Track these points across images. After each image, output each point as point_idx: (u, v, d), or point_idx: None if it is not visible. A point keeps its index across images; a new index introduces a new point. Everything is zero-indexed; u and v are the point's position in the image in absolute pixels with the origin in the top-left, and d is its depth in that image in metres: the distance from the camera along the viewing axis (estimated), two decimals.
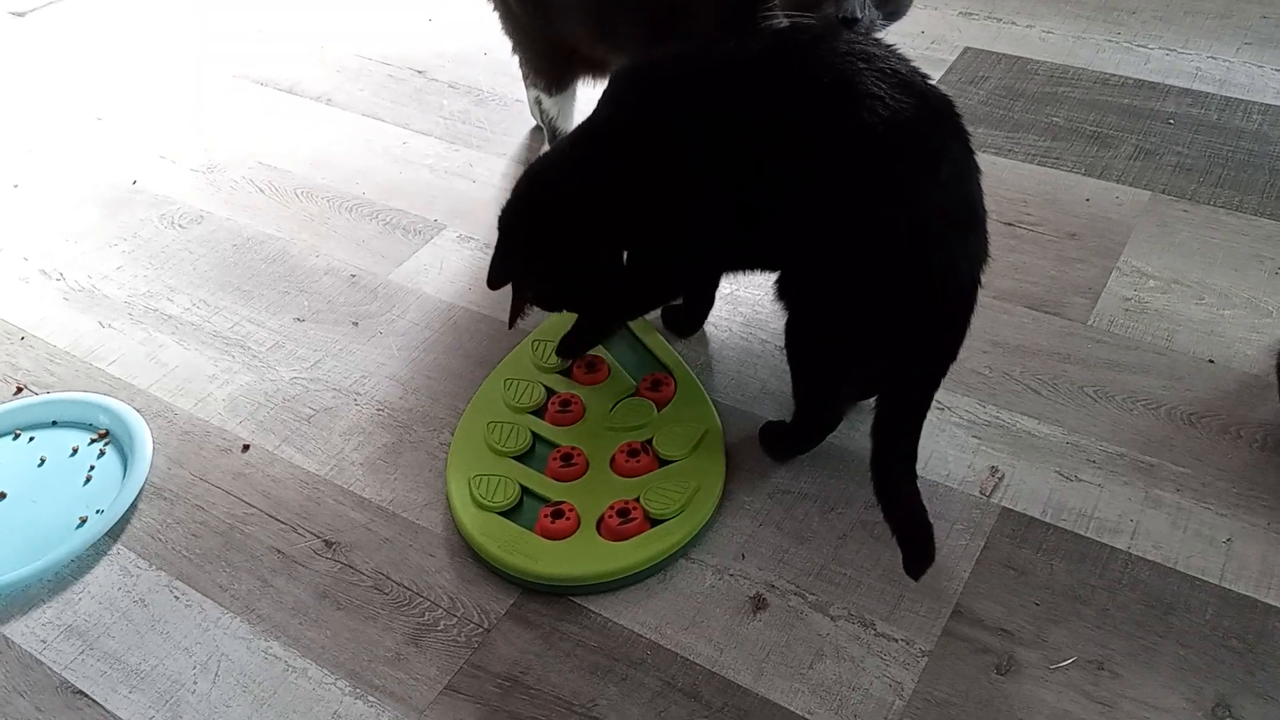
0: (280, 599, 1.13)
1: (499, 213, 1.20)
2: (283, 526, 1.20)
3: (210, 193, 1.75)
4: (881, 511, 1.06)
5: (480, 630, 1.08)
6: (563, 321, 1.30)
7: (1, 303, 1.55)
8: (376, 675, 1.05)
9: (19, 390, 1.40)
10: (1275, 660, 1.01)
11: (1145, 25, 1.97)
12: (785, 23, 1.14)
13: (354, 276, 1.55)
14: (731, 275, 1.35)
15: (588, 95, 1.41)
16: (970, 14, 2.03)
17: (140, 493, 1.24)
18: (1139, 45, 1.91)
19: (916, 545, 1.04)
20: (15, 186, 1.80)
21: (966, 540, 1.12)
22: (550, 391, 1.30)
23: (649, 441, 1.22)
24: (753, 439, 1.24)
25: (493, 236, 1.59)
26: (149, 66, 2.13)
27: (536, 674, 1.04)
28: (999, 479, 1.18)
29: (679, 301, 1.38)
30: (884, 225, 1.00)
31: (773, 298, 1.13)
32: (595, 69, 1.54)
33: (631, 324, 1.36)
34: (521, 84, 1.77)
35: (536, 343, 1.36)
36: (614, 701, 1.01)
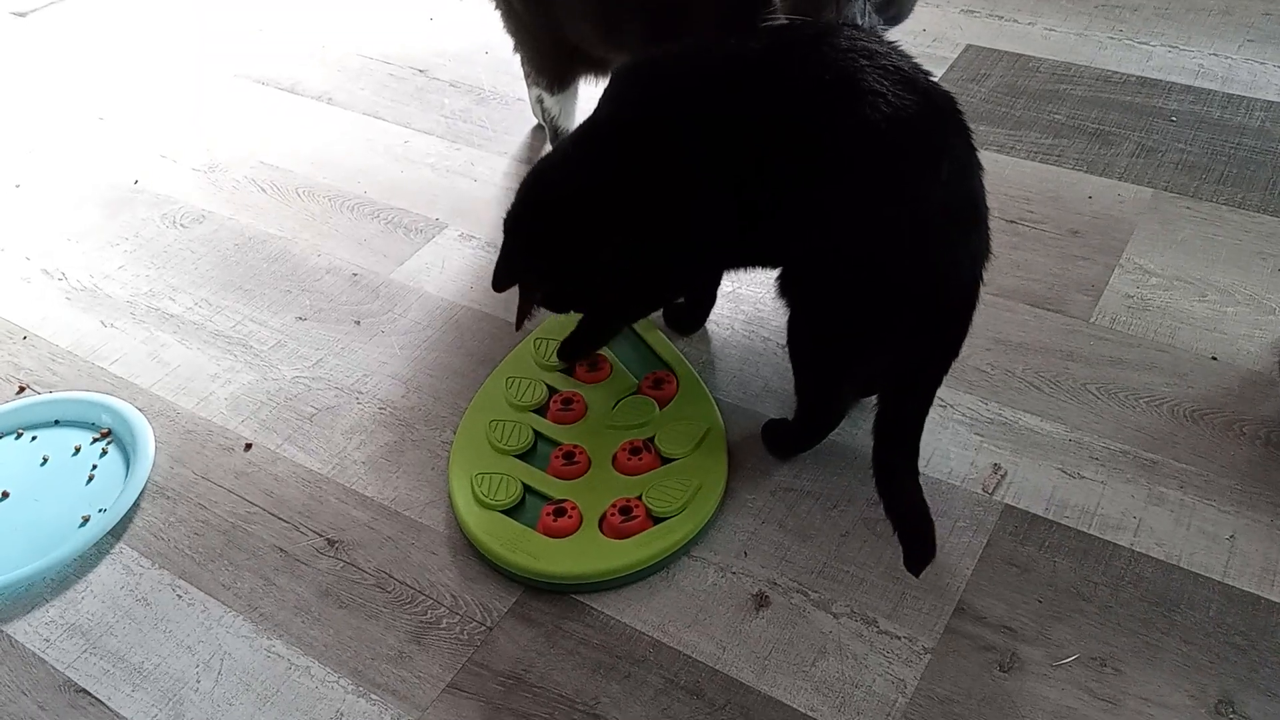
0: (283, 597, 1.13)
1: (504, 216, 1.20)
2: (285, 525, 1.20)
3: (212, 192, 1.75)
4: (883, 507, 1.06)
5: (483, 628, 1.08)
6: (566, 320, 1.30)
7: (4, 302, 1.55)
8: (379, 673, 1.05)
9: (21, 390, 1.40)
10: (1279, 656, 1.00)
11: (1147, 22, 1.97)
12: (784, 22, 1.14)
13: (356, 275, 1.55)
14: (733, 273, 1.35)
15: (589, 94, 1.41)
16: (972, 11, 2.03)
17: (143, 492, 1.24)
18: (1141, 42, 1.91)
19: (917, 541, 1.04)
20: (17, 186, 1.80)
21: (969, 538, 1.12)
22: (552, 390, 1.30)
23: (651, 439, 1.22)
24: (755, 437, 1.24)
25: (495, 235, 1.59)
26: (150, 66, 2.13)
27: (539, 672, 1.04)
28: (1001, 476, 1.18)
29: (681, 299, 1.38)
30: (886, 223, 1.00)
31: (775, 295, 1.13)
32: (597, 67, 1.54)
33: (634, 322, 1.36)
34: (523, 82, 1.77)
35: (539, 341, 1.36)
36: (616, 699, 1.01)
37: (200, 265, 1.59)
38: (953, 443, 1.22)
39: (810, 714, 0.99)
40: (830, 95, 1.01)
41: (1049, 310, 1.38)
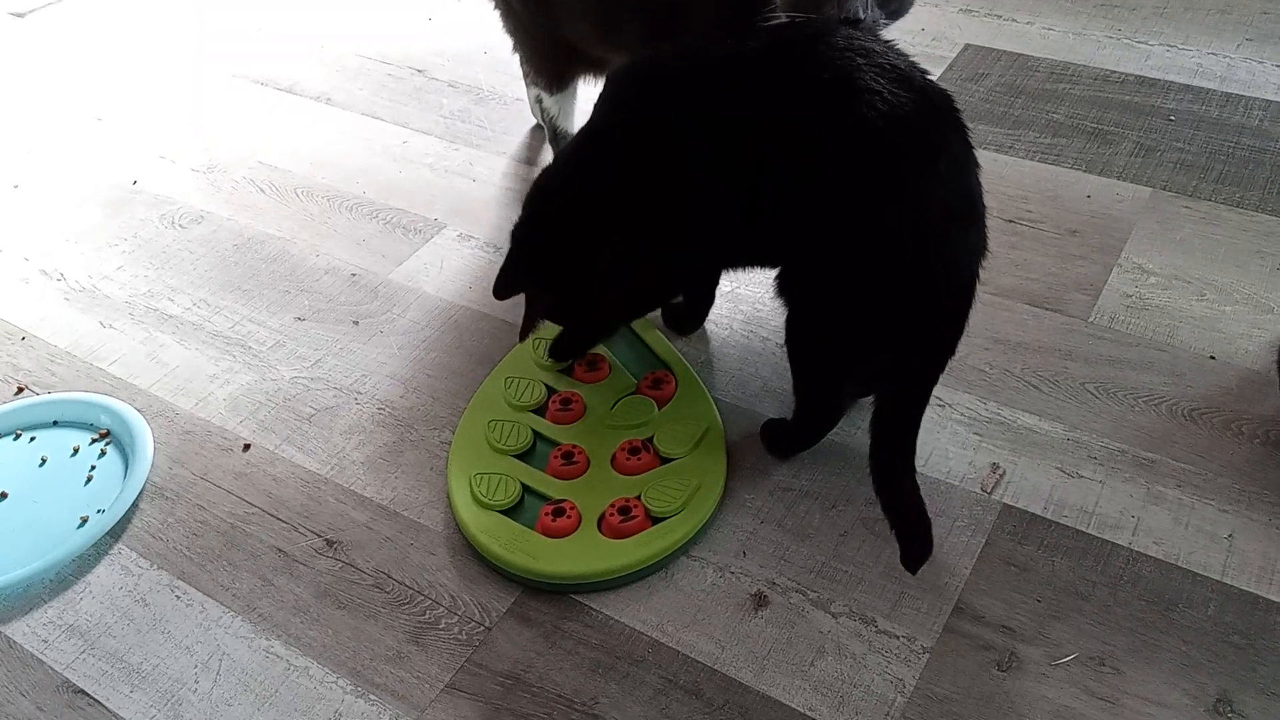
0: (281, 598, 1.13)
1: (511, 228, 1.20)
2: (284, 525, 1.20)
3: (210, 192, 1.75)
4: (880, 505, 1.06)
5: (481, 628, 1.08)
6: None
7: (2, 303, 1.55)
8: (378, 674, 1.05)
9: (20, 390, 1.40)
10: (1277, 656, 1.00)
11: (1146, 21, 1.97)
12: (783, 18, 1.14)
13: (354, 275, 1.55)
14: (732, 272, 1.35)
15: (588, 94, 1.41)
16: (970, 11, 2.03)
17: (141, 492, 1.24)
18: (1139, 42, 1.91)
19: (914, 539, 1.04)
20: (16, 187, 1.80)
21: (968, 537, 1.12)
22: (551, 390, 1.30)
23: (650, 439, 1.22)
24: (754, 436, 1.24)
25: (494, 235, 1.60)
26: (149, 67, 2.13)
27: (538, 672, 1.04)
28: (1000, 476, 1.18)
29: (679, 299, 1.38)
30: (885, 222, 1.00)
31: (773, 294, 1.13)
32: (596, 67, 1.54)
33: (632, 322, 1.36)
34: (522, 82, 1.77)
35: (537, 340, 1.36)
36: (615, 699, 1.01)
37: (199, 266, 1.59)
38: (951, 442, 1.22)
39: (809, 713, 0.99)
40: (828, 94, 1.01)
41: (1047, 309, 1.38)
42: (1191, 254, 1.45)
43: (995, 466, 1.19)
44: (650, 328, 1.37)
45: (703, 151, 1.08)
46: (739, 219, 1.09)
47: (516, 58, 1.68)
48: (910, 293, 1.02)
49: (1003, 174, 1.61)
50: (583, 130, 1.19)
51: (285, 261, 1.58)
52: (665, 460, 1.20)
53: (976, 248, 1.04)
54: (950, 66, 1.88)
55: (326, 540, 1.18)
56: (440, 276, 1.53)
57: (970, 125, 1.04)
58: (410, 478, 1.24)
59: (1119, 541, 1.11)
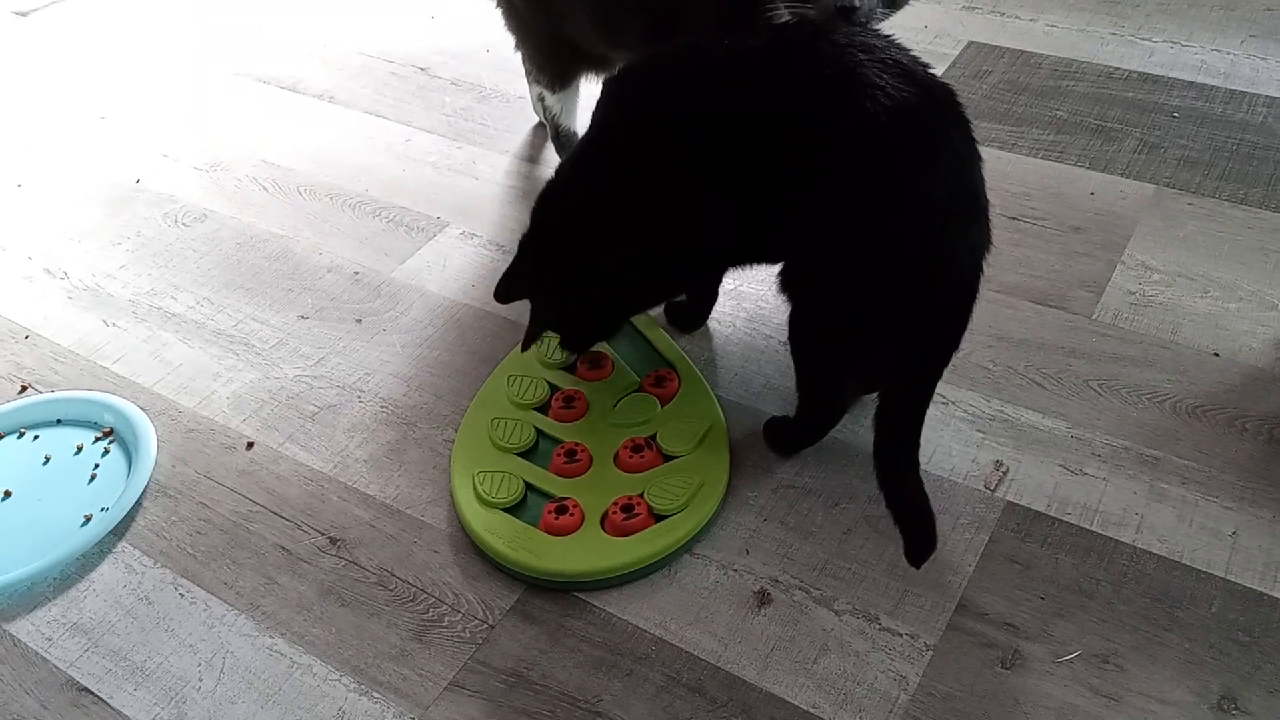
0: (285, 596, 1.13)
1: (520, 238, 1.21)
2: (287, 524, 1.20)
3: (213, 191, 1.75)
4: (884, 500, 1.06)
5: (485, 626, 1.08)
6: None
7: (6, 302, 1.55)
8: (381, 672, 1.05)
9: (24, 389, 1.40)
10: None
11: (1149, 18, 1.96)
12: (786, 16, 1.14)
13: (357, 274, 1.55)
14: (735, 270, 1.34)
15: (590, 92, 1.41)
16: (973, 8, 2.03)
17: (145, 490, 1.24)
18: (1143, 38, 1.91)
19: (919, 534, 1.04)
20: (19, 186, 1.80)
21: (971, 534, 1.12)
22: (554, 388, 1.30)
23: (653, 437, 1.22)
24: (757, 434, 1.24)
25: (496, 233, 1.60)
26: (151, 65, 2.13)
27: (541, 669, 1.04)
28: (1003, 473, 1.18)
29: (682, 297, 1.38)
30: (886, 221, 1.00)
31: (776, 291, 1.12)
32: (598, 65, 1.54)
33: (635, 320, 1.36)
34: (524, 80, 1.77)
35: (540, 339, 1.35)
36: (618, 697, 1.01)
37: (202, 264, 1.59)
38: (955, 440, 1.22)
39: (812, 711, 0.99)
40: (829, 92, 1.01)
41: (1051, 307, 1.38)
42: (1195, 251, 1.45)
43: (999, 464, 1.19)
44: (653, 325, 1.37)
45: (703, 152, 1.07)
46: (741, 219, 1.09)
47: (519, 56, 1.68)
48: (912, 290, 1.02)
49: (1006, 171, 1.61)
50: (583, 138, 1.20)
51: (288, 260, 1.58)
52: (668, 458, 1.20)
53: (979, 242, 1.04)
54: (953, 64, 1.87)
55: (330, 538, 1.18)
56: (443, 275, 1.53)
57: (973, 121, 1.04)
58: (413, 476, 1.24)
59: (1122, 539, 1.11)
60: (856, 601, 1.07)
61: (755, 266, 1.26)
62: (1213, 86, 1.77)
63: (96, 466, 1.29)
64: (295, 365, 1.40)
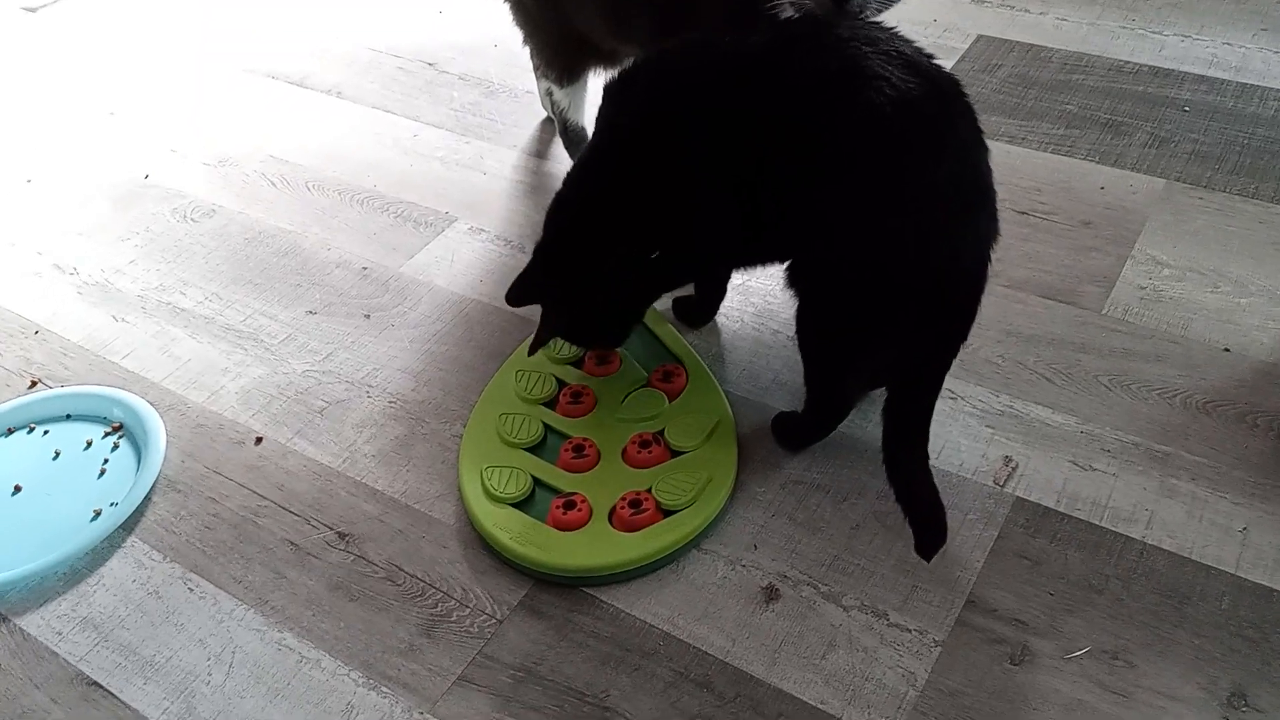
0: (293, 591, 1.13)
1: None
2: (296, 519, 1.21)
3: (221, 186, 1.75)
4: (893, 493, 1.06)
5: (493, 621, 1.08)
6: None
7: (15, 297, 1.56)
8: (389, 666, 1.05)
9: (33, 384, 1.40)
10: None
11: (1160, 11, 1.95)
12: (790, 11, 1.13)
13: (365, 269, 1.55)
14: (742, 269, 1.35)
15: (599, 86, 1.41)
16: (983, 1, 2.02)
17: (154, 486, 1.24)
18: (1153, 32, 1.90)
19: (928, 526, 1.04)
20: (28, 181, 1.81)
21: (980, 530, 1.12)
22: (562, 383, 1.30)
23: (660, 432, 1.22)
24: (765, 429, 1.23)
25: (505, 228, 1.60)
26: (159, 61, 2.13)
27: (549, 664, 1.04)
28: (1013, 469, 1.18)
29: (690, 292, 1.38)
30: (887, 220, 1.00)
31: (784, 286, 1.12)
32: (606, 60, 1.54)
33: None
34: (532, 75, 1.77)
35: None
36: (626, 692, 1.01)
37: (210, 259, 1.59)
38: (963, 435, 1.22)
39: (821, 707, 0.99)
40: (833, 87, 1.01)
41: (1060, 302, 1.38)
42: (1206, 245, 1.44)
43: (1008, 459, 1.19)
44: (661, 321, 1.37)
45: (703, 153, 1.08)
46: (742, 219, 1.09)
47: (527, 51, 1.68)
48: (914, 289, 1.02)
49: (1016, 165, 1.60)
50: (589, 142, 1.20)
51: (296, 255, 1.59)
52: (676, 453, 1.20)
53: (987, 233, 1.04)
54: (963, 58, 1.87)
55: (338, 533, 1.18)
56: (451, 270, 1.53)
57: (982, 116, 1.04)
58: (421, 471, 1.24)
59: (1132, 535, 1.11)
60: (865, 597, 1.07)
61: (763, 266, 1.26)
62: (1224, 80, 1.76)
63: (106, 461, 1.29)
64: (304, 360, 1.40)
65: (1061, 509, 1.13)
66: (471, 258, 1.55)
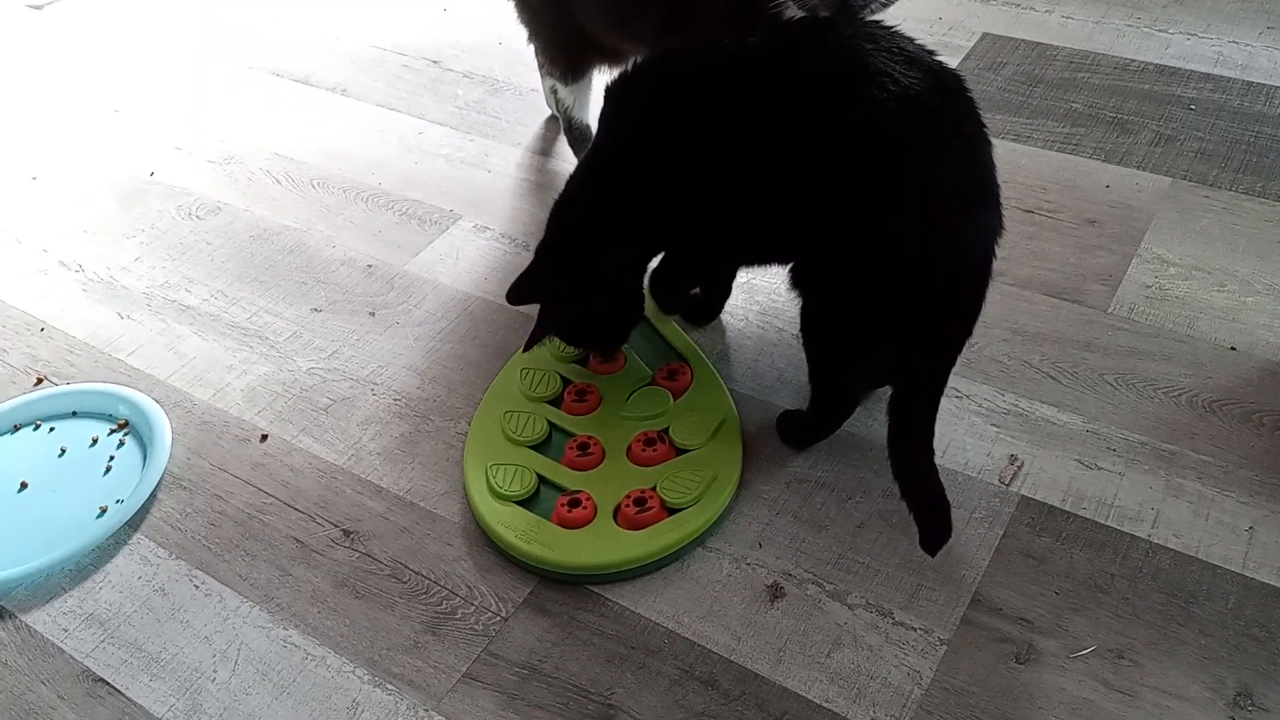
0: (299, 588, 1.13)
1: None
2: (301, 516, 1.21)
3: (227, 184, 1.75)
4: (899, 489, 1.06)
5: (498, 619, 1.08)
6: None
7: (21, 294, 1.56)
8: (395, 663, 1.05)
9: (39, 381, 1.41)
10: None
11: (1165, 10, 1.95)
12: (793, 10, 1.13)
13: (370, 267, 1.55)
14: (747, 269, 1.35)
15: (603, 84, 1.41)
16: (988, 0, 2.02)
17: (160, 482, 1.25)
18: (1159, 30, 1.89)
19: (934, 522, 1.04)
20: (34, 179, 1.81)
21: (985, 529, 1.12)
22: (566, 381, 1.30)
23: (665, 430, 1.22)
24: (769, 428, 1.23)
25: (509, 226, 1.60)
26: (164, 58, 2.13)
27: (554, 662, 1.04)
28: (1018, 467, 1.18)
29: (696, 291, 1.38)
30: (887, 220, 1.00)
31: (788, 285, 1.12)
32: (610, 58, 1.54)
33: (648, 313, 1.36)
34: (537, 73, 1.77)
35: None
36: (631, 690, 1.01)
37: (216, 257, 1.59)
38: (969, 434, 1.21)
39: (825, 705, 0.99)
40: (835, 86, 1.01)
41: (1066, 300, 1.37)
42: (1212, 244, 1.44)
43: (1013, 458, 1.19)
44: (666, 319, 1.37)
45: (704, 155, 1.08)
46: (740, 222, 1.10)
47: (531, 48, 1.68)
48: (915, 289, 1.02)
49: (1021, 164, 1.60)
50: (591, 145, 1.20)
51: (302, 253, 1.59)
52: (681, 451, 1.20)
53: (991, 229, 1.04)
54: (968, 56, 1.87)
55: (344, 530, 1.19)
56: (456, 268, 1.53)
57: (988, 114, 1.04)
58: (426, 468, 1.24)
59: (1138, 534, 1.10)
60: (870, 596, 1.07)
61: (768, 266, 1.26)
62: (1230, 78, 1.75)
63: (111, 458, 1.29)
64: (309, 358, 1.40)
65: (1067, 508, 1.13)
66: (476, 255, 1.55)
